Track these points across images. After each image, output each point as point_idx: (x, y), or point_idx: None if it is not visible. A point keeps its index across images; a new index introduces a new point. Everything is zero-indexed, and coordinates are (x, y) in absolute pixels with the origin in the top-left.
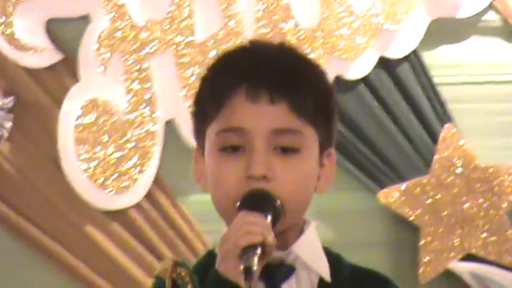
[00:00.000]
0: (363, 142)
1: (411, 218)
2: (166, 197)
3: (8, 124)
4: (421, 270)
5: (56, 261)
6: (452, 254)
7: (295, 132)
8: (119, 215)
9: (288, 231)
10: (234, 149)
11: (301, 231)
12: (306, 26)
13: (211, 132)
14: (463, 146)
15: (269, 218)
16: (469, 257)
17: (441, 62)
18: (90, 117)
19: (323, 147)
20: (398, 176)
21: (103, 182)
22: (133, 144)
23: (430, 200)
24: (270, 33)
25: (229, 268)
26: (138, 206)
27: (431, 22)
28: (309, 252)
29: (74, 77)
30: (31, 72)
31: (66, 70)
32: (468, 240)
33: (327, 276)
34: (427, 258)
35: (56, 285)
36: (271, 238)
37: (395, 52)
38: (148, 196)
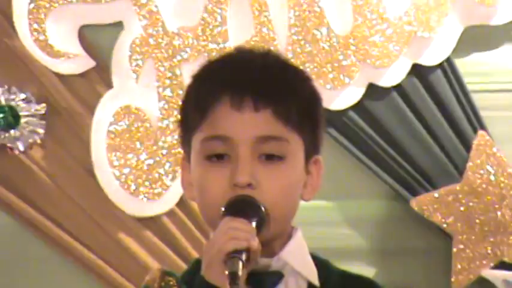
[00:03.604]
0: (395, 149)
1: (444, 226)
2: None
3: (41, 130)
4: (453, 278)
5: (87, 267)
6: (485, 262)
7: (280, 139)
8: (152, 222)
9: (275, 239)
10: (219, 157)
11: (288, 239)
12: (338, 33)
13: (196, 140)
14: (496, 154)
15: (253, 223)
16: (502, 265)
17: (474, 70)
18: (122, 124)
19: (309, 155)
20: (431, 184)
21: (135, 189)
22: (165, 151)
23: (462, 208)
24: (302, 40)
25: (214, 274)
26: (170, 213)
27: (465, 29)
28: (297, 258)
29: (107, 84)
30: (64, 78)
31: (98, 77)
32: (501, 248)
33: (316, 282)
34: (459, 266)
35: None
36: (255, 243)
37: (428, 59)
38: (181, 203)
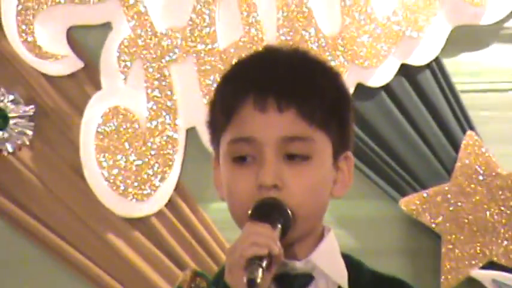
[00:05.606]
0: (384, 150)
1: (433, 226)
2: (188, 204)
3: (29, 132)
4: (442, 277)
5: (77, 268)
6: (473, 262)
7: (305, 139)
8: (140, 223)
9: (305, 239)
10: (245, 159)
11: (320, 239)
12: (327, 33)
13: (223, 141)
14: (484, 154)
15: (278, 227)
16: (491, 265)
17: (463, 69)
18: (111, 125)
19: (338, 151)
20: (420, 184)
21: (124, 189)
22: (154, 152)
23: (451, 208)
24: (291, 40)
25: (235, 279)
26: (159, 214)
27: (453, 29)
28: (327, 260)
29: (95, 85)
30: (52, 80)
31: (87, 78)
32: (490, 248)
33: (345, 285)
34: (448, 266)
35: None
36: (277, 249)
37: (417, 59)
38: (170, 204)
